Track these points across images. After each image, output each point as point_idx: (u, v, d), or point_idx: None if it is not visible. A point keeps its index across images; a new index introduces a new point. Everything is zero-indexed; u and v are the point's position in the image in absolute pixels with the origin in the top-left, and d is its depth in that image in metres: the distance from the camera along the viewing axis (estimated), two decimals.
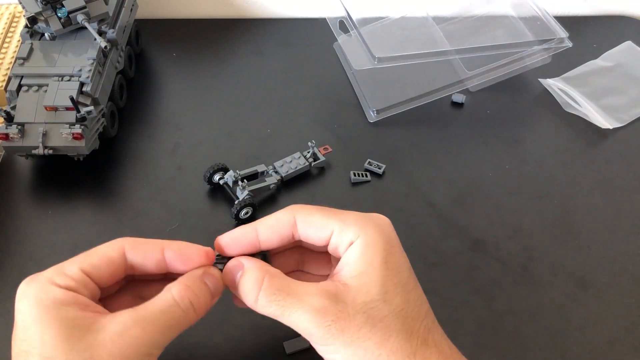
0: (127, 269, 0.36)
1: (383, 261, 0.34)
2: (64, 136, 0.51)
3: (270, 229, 0.37)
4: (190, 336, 0.44)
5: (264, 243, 0.37)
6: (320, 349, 0.35)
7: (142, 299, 0.35)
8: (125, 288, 0.38)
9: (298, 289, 0.34)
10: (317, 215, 0.36)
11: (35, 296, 0.32)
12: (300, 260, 0.40)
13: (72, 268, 0.34)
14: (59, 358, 0.30)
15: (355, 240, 0.35)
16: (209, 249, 0.37)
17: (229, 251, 0.37)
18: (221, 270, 0.37)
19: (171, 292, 0.34)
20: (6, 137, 0.51)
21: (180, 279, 0.35)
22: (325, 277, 0.38)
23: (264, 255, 0.38)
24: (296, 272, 0.41)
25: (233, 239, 0.37)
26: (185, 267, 0.36)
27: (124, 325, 0.32)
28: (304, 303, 0.33)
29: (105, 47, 0.54)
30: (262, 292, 0.34)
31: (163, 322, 0.33)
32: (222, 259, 0.37)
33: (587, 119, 0.60)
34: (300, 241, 0.39)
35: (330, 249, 0.37)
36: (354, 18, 0.59)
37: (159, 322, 0.33)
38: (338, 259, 0.37)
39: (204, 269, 0.36)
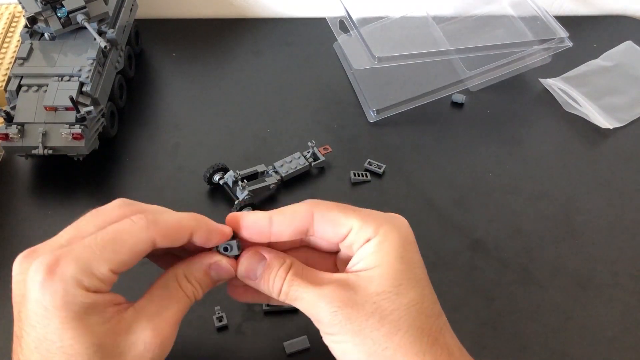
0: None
1: (399, 256, 0.34)
2: (64, 136, 0.51)
3: (287, 221, 0.36)
4: (190, 336, 0.44)
5: (275, 235, 0.36)
6: (329, 340, 0.34)
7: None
8: None
9: (313, 276, 0.35)
10: (336, 211, 0.36)
11: (61, 298, 0.30)
12: (305, 262, 0.39)
13: (102, 269, 0.31)
14: None
15: (373, 238, 0.35)
16: (229, 230, 0.36)
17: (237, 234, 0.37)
18: (225, 250, 0.36)
19: (182, 290, 0.35)
20: (6, 137, 0.51)
21: (188, 270, 0.35)
22: None
23: (234, 237, 0.36)
24: None
25: (244, 226, 0.36)
26: (208, 246, 0.36)
27: (141, 330, 0.32)
28: (315, 288, 0.34)
29: (105, 47, 0.54)
30: (285, 284, 0.35)
31: (176, 319, 0.34)
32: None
33: (587, 118, 0.60)
34: (306, 242, 0.39)
35: (344, 246, 0.37)
36: (354, 18, 0.59)
37: (173, 320, 0.34)
38: (345, 260, 0.37)
39: (214, 261, 0.36)
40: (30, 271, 0.31)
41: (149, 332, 0.32)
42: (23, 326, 0.31)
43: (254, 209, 0.51)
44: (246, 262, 0.36)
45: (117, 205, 0.35)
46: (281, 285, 0.35)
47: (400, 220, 0.37)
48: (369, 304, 0.33)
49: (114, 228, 0.33)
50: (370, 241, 0.35)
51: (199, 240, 0.35)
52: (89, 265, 0.31)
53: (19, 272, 0.32)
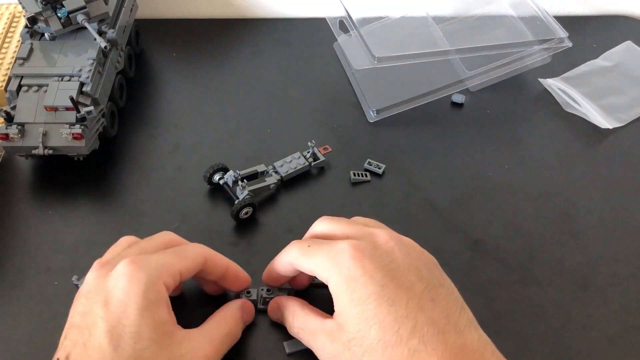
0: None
1: (348, 299, 0.37)
2: (64, 136, 0.51)
3: (281, 269, 0.43)
4: None
5: (284, 279, 0.44)
6: None
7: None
8: None
9: (312, 326, 0.40)
10: (303, 260, 0.40)
11: (145, 287, 0.36)
12: None
13: (175, 269, 0.39)
14: (149, 358, 0.35)
15: (328, 284, 0.38)
16: (250, 280, 0.45)
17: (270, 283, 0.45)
18: (248, 294, 0.45)
19: (227, 321, 0.42)
20: (6, 137, 0.51)
21: (226, 309, 0.43)
22: None
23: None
24: None
25: (269, 279, 0.45)
26: (233, 288, 0.44)
27: (198, 343, 0.38)
28: (312, 341, 0.40)
29: (105, 47, 0.54)
30: (293, 322, 0.42)
31: (226, 343, 0.41)
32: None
33: (587, 119, 0.60)
34: None
35: None
36: (354, 18, 0.59)
37: (222, 342, 0.40)
38: None
39: (241, 303, 0.44)
40: (118, 266, 0.37)
41: (207, 346, 0.38)
42: (95, 316, 0.36)
43: (253, 209, 0.51)
44: (272, 306, 0.45)
45: (125, 240, 0.43)
46: (290, 324, 0.42)
47: (341, 256, 0.38)
48: (346, 352, 0.37)
49: (181, 247, 0.41)
50: (329, 287, 0.38)
51: (227, 280, 0.43)
52: (168, 265, 0.38)
53: (97, 275, 0.38)
